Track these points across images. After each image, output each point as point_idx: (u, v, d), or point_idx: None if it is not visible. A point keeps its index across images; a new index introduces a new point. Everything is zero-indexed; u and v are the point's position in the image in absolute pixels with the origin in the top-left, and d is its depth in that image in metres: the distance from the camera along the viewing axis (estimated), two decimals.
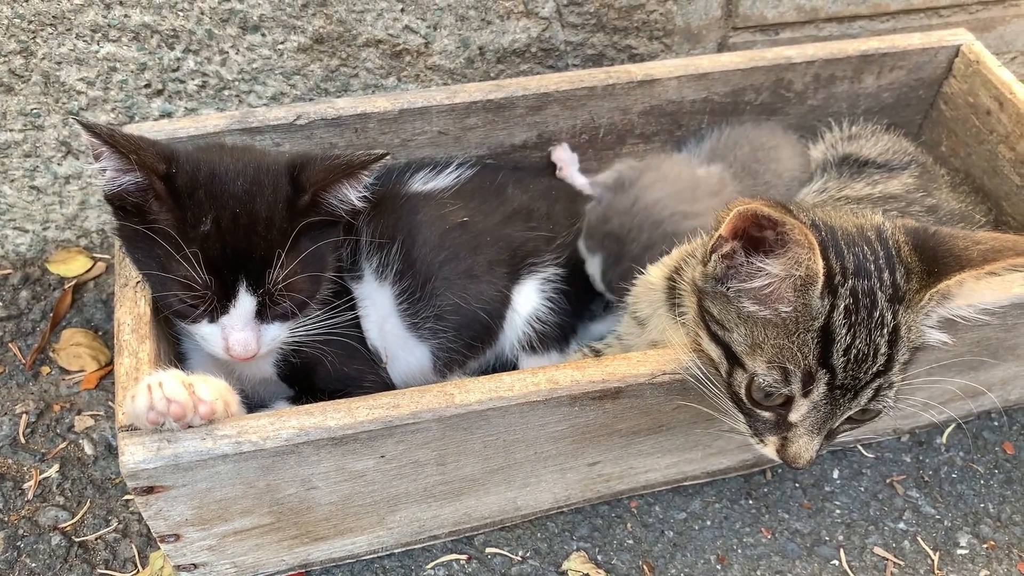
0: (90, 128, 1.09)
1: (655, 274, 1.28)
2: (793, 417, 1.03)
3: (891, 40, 1.66)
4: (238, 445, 1.04)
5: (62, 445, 1.45)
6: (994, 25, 1.82)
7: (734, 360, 1.04)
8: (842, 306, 0.98)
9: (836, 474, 1.46)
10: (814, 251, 0.95)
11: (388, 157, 1.21)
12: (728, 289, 1.03)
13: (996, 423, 1.54)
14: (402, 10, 1.54)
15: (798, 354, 0.99)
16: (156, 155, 1.13)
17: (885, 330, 0.99)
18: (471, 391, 1.10)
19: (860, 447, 1.49)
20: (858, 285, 0.99)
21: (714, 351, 1.06)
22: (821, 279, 0.97)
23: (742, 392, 1.04)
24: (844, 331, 0.98)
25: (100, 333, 1.61)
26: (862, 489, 1.45)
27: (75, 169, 1.59)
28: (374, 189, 1.27)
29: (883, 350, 0.99)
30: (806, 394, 1.00)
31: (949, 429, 1.53)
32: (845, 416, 1.03)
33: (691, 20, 1.67)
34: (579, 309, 1.49)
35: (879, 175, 1.47)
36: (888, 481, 1.46)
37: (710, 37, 1.71)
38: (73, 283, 1.66)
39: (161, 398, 1.00)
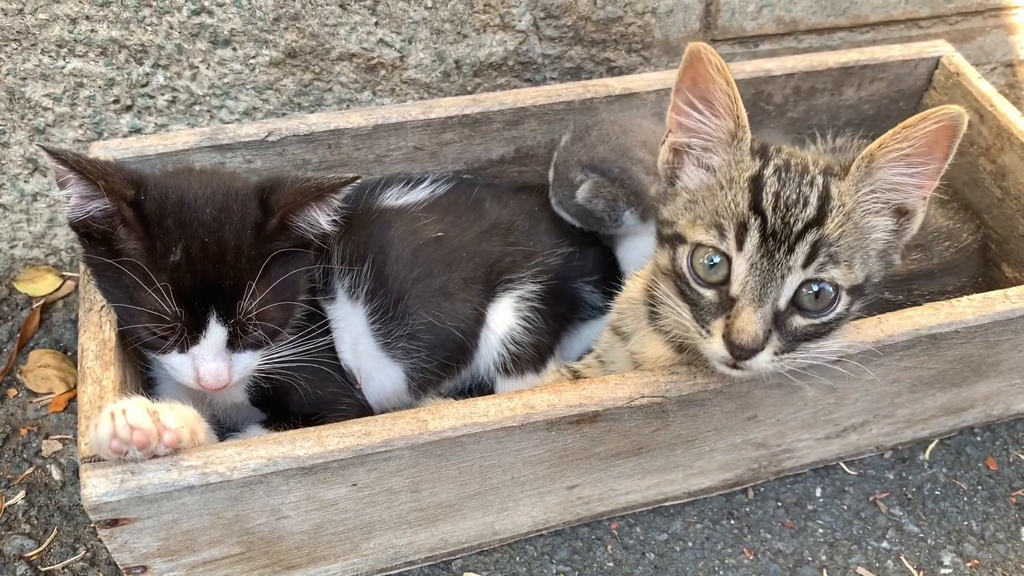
0: (55, 154, 1.06)
1: (635, 287, 1.27)
2: (734, 288, 1.02)
3: (871, 52, 1.65)
4: (204, 476, 1.01)
5: (29, 470, 1.42)
6: (973, 36, 1.82)
7: (680, 241, 1.08)
8: (772, 164, 1.05)
9: (819, 492, 1.44)
10: (737, 103, 1.05)
11: (359, 180, 1.19)
12: (675, 183, 1.11)
13: (979, 438, 1.53)
14: (376, 24, 1.52)
15: (731, 206, 1.03)
16: (124, 181, 1.10)
17: (816, 188, 1.02)
18: (445, 417, 1.08)
19: (843, 464, 1.47)
20: (793, 158, 1.07)
21: (664, 256, 1.11)
22: (747, 134, 1.06)
23: (685, 268, 1.06)
24: (773, 179, 1.03)
25: (69, 354, 1.57)
26: (845, 507, 1.43)
27: (42, 186, 1.56)
28: (349, 203, 1.25)
29: (813, 202, 1.01)
30: (740, 246, 1.01)
31: (932, 445, 1.51)
32: (789, 283, 1.01)
33: (669, 33, 1.66)
34: (556, 328, 1.46)
35: None
36: (871, 499, 1.44)
37: None
38: (41, 302, 1.62)
39: (124, 426, 0.98)
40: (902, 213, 1.06)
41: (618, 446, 1.20)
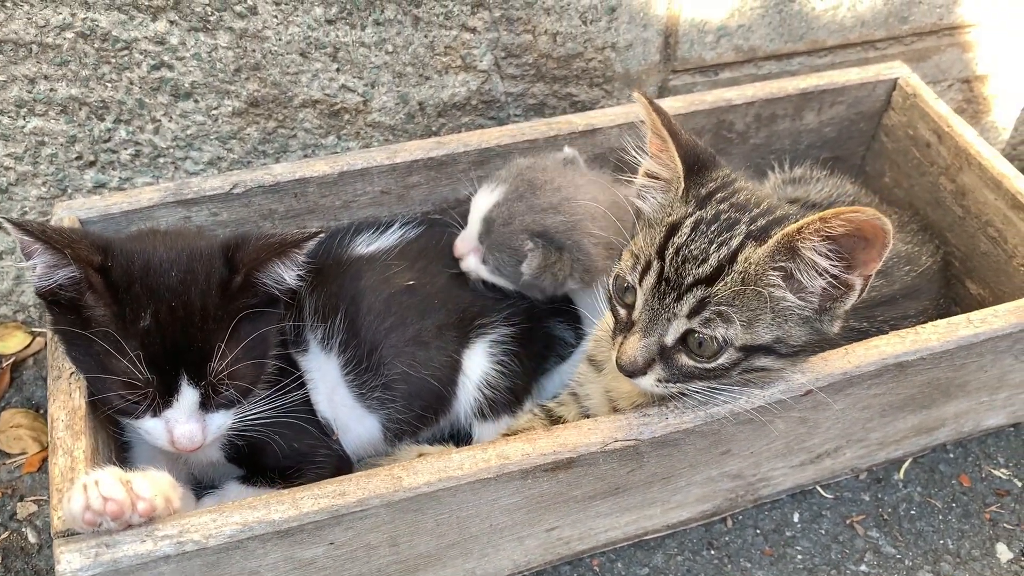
0: (20, 225, 1.05)
1: (611, 318, 1.28)
2: (634, 315, 1.11)
3: (829, 76, 1.67)
4: (180, 545, 1.01)
5: (4, 534, 1.40)
6: (929, 55, 1.85)
7: (619, 257, 1.16)
8: (697, 215, 1.10)
9: (796, 517, 1.46)
10: (674, 158, 1.12)
11: (322, 234, 1.19)
12: (640, 205, 1.19)
13: (952, 455, 1.55)
14: (337, 70, 1.52)
15: (648, 244, 1.11)
16: (91, 247, 1.10)
17: (724, 249, 1.07)
18: (419, 473, 1.08)
19: (819, 488, 1.49)
20: (725, 213, 1.10)
21: (608, 279, 1.17)
22: (682, 183, 1.12)
23: (611, 282, 1.15)
24: (687, 231, 1.09)
25: (41, 412, 1.56)
26: (823, 532, 1.44)
27: (7, 245, 1.55)
28: (314, 257, 1.25)
29: (712, 262, 1.06)
30: (640, 282, 1.10)
31: (905, 464, 1.53)
32: (674, 327, 1.07)
33: (630, 66, 1.67)
34: (532, 368, 1.47)
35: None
36: (848, 522, 1.46)
37: (650, 81, 1.71)
38: (11, 361, 1.61)
39: (97, 497, 0.97)
40: (835, 287, 1.07)
41: (595, 488, 1.21)
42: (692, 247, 1.07)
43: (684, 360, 1.09)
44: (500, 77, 1.62)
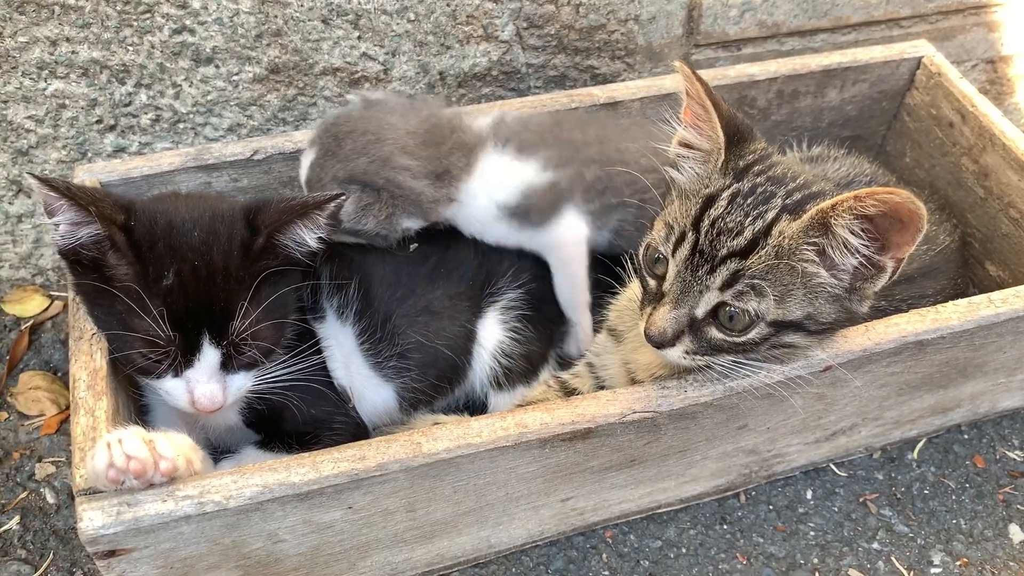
0: (46, 182, 1.06)
1: (636, 287, 1.28)
2: (665, 285, 1.10)
3: (853, 54, 1.66)
4: (200, 506, 1.02)
5: (23, 495, 1.41)
6: (954, 34, 1.83)
7: (650, 227, 1.16)
8: (734, 187, 1.09)
9: (809, 495, 1.46)
10: (716, 128, 1.11)
11: (343, 197, 1.19)
12: (677, 174, 1.17)
13: (966, 436, 1.55)
14: (359, 38, 1.51)
15: (683, 215, 1.10)
16: (114, 206, 1.10)
17: (760, 222, 1.06)
18: (439, 439, 1.08)
19: (832, 466, 1.49)
20: (762, 186, 1.09)
21: (640, 249, 1.17)
22: (722, 155, 1.11)
23: (641, 252, 1.15)
24: (724, 204, 1.08)
25: (59, 375, 1.57)
26: (835, 509, 1.45)
27: (27, 208, 1.55)
28: (332, 225, 1.25)
29: (747, 235, 1.06)
30: (674, 253, 1.09)
31: (920, 444, 1.53)
32: (706, 299, 1.07)
33: (652, 39, 1.66)
34: (548, 334, 1.46)
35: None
36: (861, 499, 1.46)
37: (672, 55, 1.70)
38: (30, 323, 1.62)
39: (120, 455, 0.98)
40: (866, 267, 1.07)
41: (611, 459, 1.21)
42: (728, 219, 1.07)
43: (714, 333, 1.08)
44: (521, 48, 1.61)
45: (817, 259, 1.05)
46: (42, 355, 1.59)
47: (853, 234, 1.03)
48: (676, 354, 1.10)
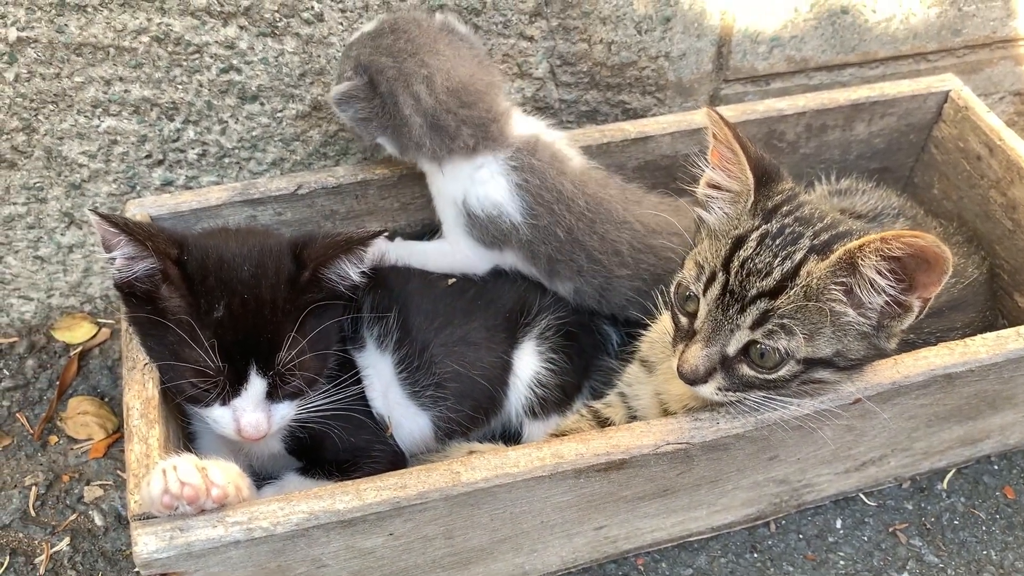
0: (106, 218, 1.11)
1: (668, 319, 1.30)
2: (697, 324, 1.14)
3: (880, 88, 1.68)
4: (249, 531, 1.05)
5: (72, 517, 1.46)
6: (982, 67, 1.85)
7: (680, 266, 1.20)
8: (763, 228, 1.12)
9: (839, 524, 1.48)
10: (746, 171, 1.14)
11: (386, 233, 1.24)
12: (706, 214, 1.20)
13: (996, 467, 1.56)
14: None
15: (714, 255, 1.14)
16: (169, 241, 1.16)
17: (788, 263, 1.09)
18: (477, 469, 1.12)
19: (862, 496, 1.51)
20: (790, 227, 1.12)
21: (671, 288, 1.20)
22: (751, 197, 1.14)
23: (672, 291, 1.18)
24: (753, 245, 1.11)
25: (106, 400, 1.62)
26: (865, 539, 1.46)
27: (78, 239, 1.61)
28: (374, 260, 1.30)
29: (776, 275, 1.09)
30: (705, 292, 1.12)
31: (949, 475, 1.54)
32: (737, 337, 1.10)
33: (683, 75, 1.70)
34: (583, 365, 1.50)
35: (872, 229, 1.49)
36: (891, 529, 1.47)
37: (702, 90, 1.74)
38: (79, 350, 1.67)
39: (175, 481, 1.02)
40: (893, 307, 1.09)
41: (644, 489, 1.24)
42: (757, 260, 1.10)
43: (745, 370, 1.12)
44: (555, 84, 1.66)
45: (845, 298, 1.08)
46: (90, 380, 1.65)
47: (880, 274, 1.05)
48: (709, 390, 1.13)
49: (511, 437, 1.50)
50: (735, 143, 1.13)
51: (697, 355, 1.11)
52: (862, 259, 1.05)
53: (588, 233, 1.40)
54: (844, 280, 1.07)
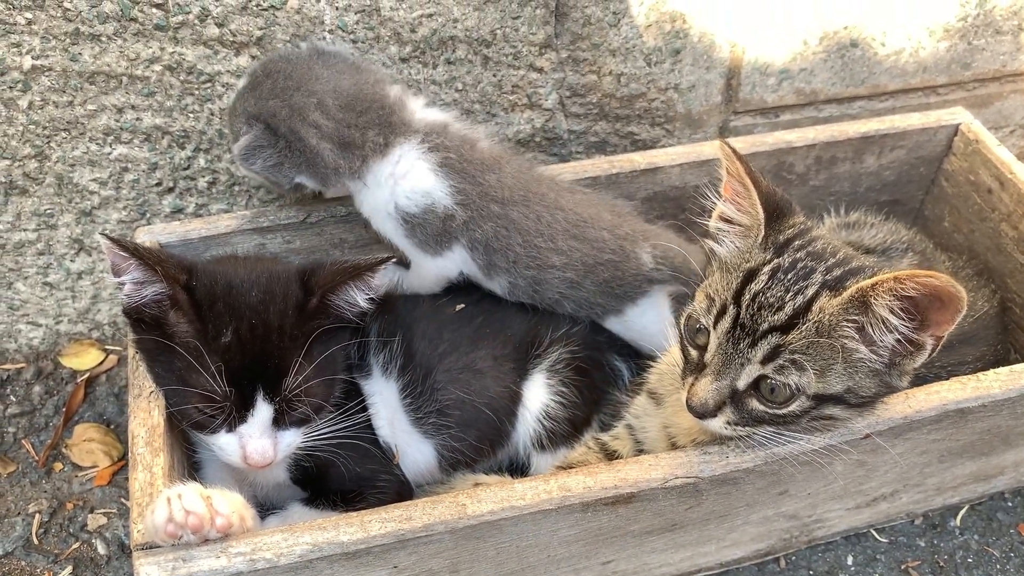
0: (116, 242, 1.12)
1: (677, 351, 1.30)
2: (707, 356, 1.12)
3: (890, 121, 1.68)
4: (252, 563, 1.04)
5: (75, 545, 1.45)
6: (991, 101, 1.85)
7: (691, 298, 1.19)
8: (775, 262, 1.12)
9: (850, 560, 1.45)
10: (756, 206, 1.14)
11: (394, 260, 1.24)
12: (717, 247, 1.20)
13: (1010, 503, 1.54)
14: None
15: (724, 288, 1.13)
16: (178, 266, 1.16)
17: (800, 298, 1.08)
18: (483, 501, 1.11)
19: (873, 532, 1.48)
20: (802, 261, 1.12)
21: (680, 320, 1.20)
22: (762, 231, 1.14)
23: (682, 323, 1.17)
24: (764, 278, 1.10)
25: (112, 427, 1.62)
26: (877, 575, 1.44)
27: (87, 265, 1.62)
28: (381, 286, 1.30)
29: (788, 310, 1.08)
30: (715, 326, 1.11)
31: (962, 511, 1.52)
32: (747, 371, 1.09)
33: (692, 106, 1.70)
34: (591, 400, 1.48)
35: (881, 262, 1.48)
36: (903, 567, 1.45)
37: (711, 121, 1.74)
38: (86, 376, 1.67)
39: (180, 509, 1.02)
40: (905, 345, 1.08)
41: (652, 523, 1.23)
42: (768, 294, 1.09)
43: (755, 405, 1.10)
44: (564, 115, 1.66)
45: (857, 335, 1.07)
46: (96, 407, 1.64)
47: (893, 313, 1.04)
48: (718, 424, 1.12)
49: (518, 470, 1.49)
50: (746, 178, 1.13)
51: (707, 388, 1.11)
52: (875, 298, 1.04)
53: (523, 211, 1.38)
54: (856, 318, 1.06)
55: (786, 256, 1.12)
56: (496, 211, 1.37)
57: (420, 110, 1.40)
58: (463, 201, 1.37)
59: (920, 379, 1.29)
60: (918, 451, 1.31)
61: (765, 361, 1.08)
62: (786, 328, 1.07)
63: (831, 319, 1.07)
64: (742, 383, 1.10)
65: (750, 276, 1.12)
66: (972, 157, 1.67)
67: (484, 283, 1.45)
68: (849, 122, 1.69)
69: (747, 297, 1.10)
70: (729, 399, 1.11)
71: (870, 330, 1.06)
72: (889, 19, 1.70)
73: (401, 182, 1.36)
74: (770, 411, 1.10)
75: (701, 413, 1.11)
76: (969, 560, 1.46)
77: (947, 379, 1.28)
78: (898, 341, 1.07)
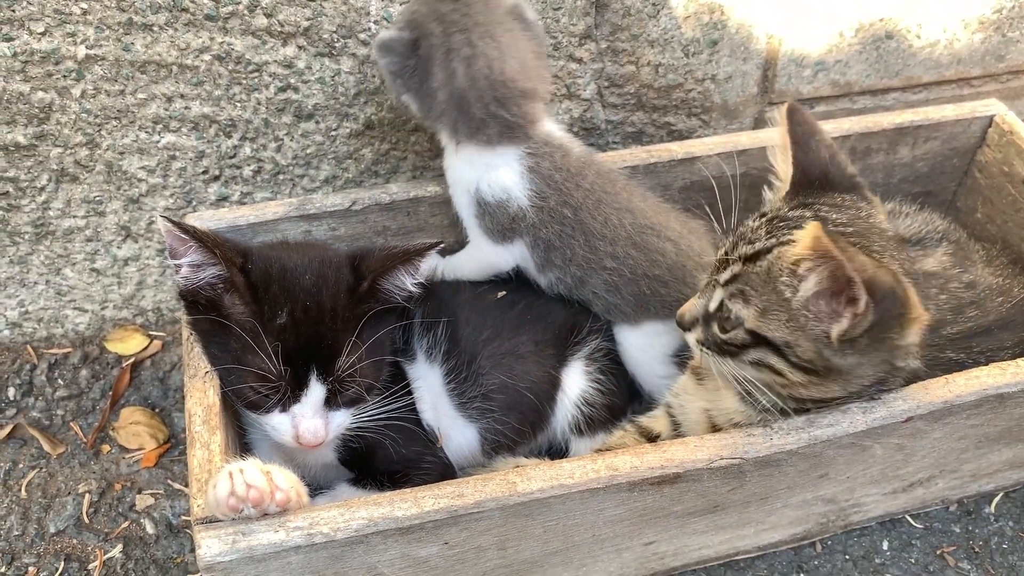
0: (177, 225, 1.15)
1: None
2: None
3: (925, 112, 1.70)
4: (310, 537, 1.07)
5: (124, 524, 1.49)
6: None
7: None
8: (781, 212, 1.20)
9: (885, 545, 1.47)
10: (788, 163, 1.26)
11: (442, 245, 1.27)
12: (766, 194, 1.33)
13: None
14: None
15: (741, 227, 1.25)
16: (234, 250, 1.19)
17: (772, 240, 1.15)
18: (533, 479, 1.13)
19: (908, 517, 1.50)
20: (805, 219, 1.17)
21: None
22: (786, 187, 1.26)
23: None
24: (759, 220, 1.21)
25: (157, 411, 1.65)
26: (912, 561, 1.45)
27: (133, 252, 1.65)
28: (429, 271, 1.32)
29: (756, 246, 1.15)
30: (717, 254, 1.23)
31: (997, 498, 1.53)
32: (716, 295, 1.19)
33: (728, 97, 1.72)
34: (628, 387, 1.51)
35: (915, 252, 1.50)
36: (938, 552, 1.46)
37: (747, 112, 1.76)
38: (131, 361, 1.71)
39: (242, 483, 1.05)
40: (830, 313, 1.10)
41: (695, 505, 1.25)
42: (750, 231, 1.19)
43: (714, 328, 1.20)
44: (602, 105, 1.68)
45: (795, 288, 1.10)
46: (142, 391, 1.68)
47: (815, 274, 1.07)
48: (692, 339, 1.24)
49: (556, 455, 1.51)
50: (787, 137, 1.25)
51: (690, 305, 1.25)
52: (804, 260, 1.07)
53: (593, 212, 1.40)
54: (798, 273, 1.09)
55: (794, 211, 1.19)
56: (567, 215, 1.40)
57: (546, 125, 1.42)
58: (539, 204, 1.39)
59: (959, 364, 1.31)
60: (956, 436, 1.33)
61: (726, 285, 1.16)
62: (749, 260, 1.15)
63: (779, 265, 1.11)
64: (712, 305, 1.20)
65: (757, 217, 1.22)
66: (1006, 148, 1.68)
67: (533, 276, 1.48)
68: (883, 113, 1.70)
69: (739, 231, 1.21)
70: (702, 318, 1.22)
71: (801, 286, 1.09)
72: (926, 11, 1.71)
73: (490, 172, 1.38)
74: (720, 336, 1.18)
75: (680, 323, 1.26)
76: (1004, 546, 1.48)
77: (986, 364, 1.29)
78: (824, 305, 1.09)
